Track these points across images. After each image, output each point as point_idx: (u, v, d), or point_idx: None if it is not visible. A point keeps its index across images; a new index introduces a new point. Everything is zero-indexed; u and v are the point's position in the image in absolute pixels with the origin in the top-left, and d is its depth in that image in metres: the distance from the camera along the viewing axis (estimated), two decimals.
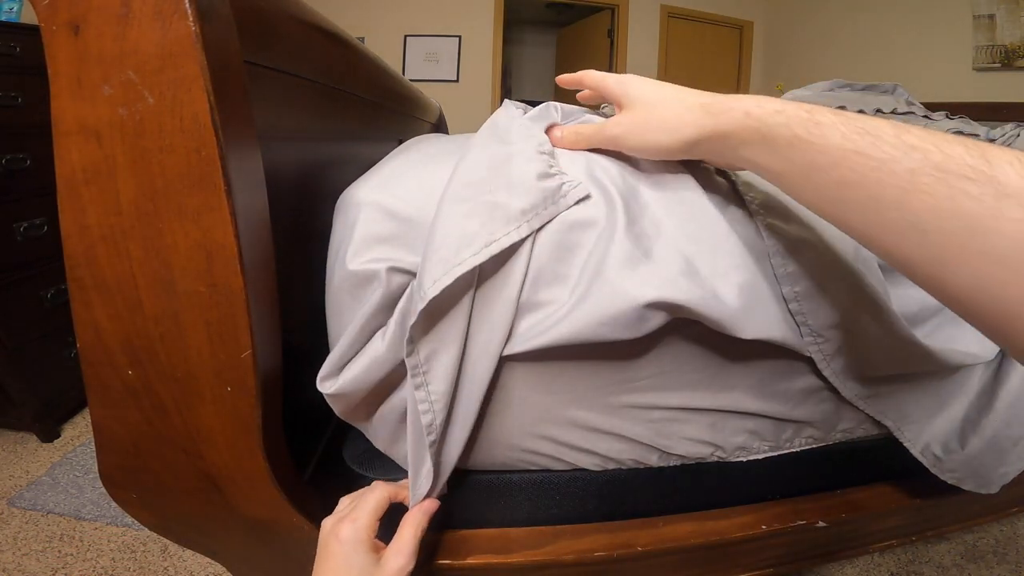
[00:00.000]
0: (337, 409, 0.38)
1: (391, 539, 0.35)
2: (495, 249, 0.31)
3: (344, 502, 0.39)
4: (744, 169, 0.33)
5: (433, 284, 0.30)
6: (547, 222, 0.34)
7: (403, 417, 0.39)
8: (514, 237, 0.32)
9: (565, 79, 0.43)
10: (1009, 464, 0.42)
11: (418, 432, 0.35)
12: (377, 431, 0.41)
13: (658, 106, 0.34)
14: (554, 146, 0.41)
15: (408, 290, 0.35)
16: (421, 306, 0.31)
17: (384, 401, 0.39)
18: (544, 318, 0.34)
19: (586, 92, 0.43)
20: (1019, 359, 0.19)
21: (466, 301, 0.33)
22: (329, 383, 0.36)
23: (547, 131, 0.43)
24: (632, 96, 0.36)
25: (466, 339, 0.34)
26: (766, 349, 0.38)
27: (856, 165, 0.21)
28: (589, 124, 0.40)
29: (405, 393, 0.38)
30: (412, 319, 0.32)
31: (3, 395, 1.22)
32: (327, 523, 0.36)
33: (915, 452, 0.42)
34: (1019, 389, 0.42)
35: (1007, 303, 0.17)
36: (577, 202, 0.35)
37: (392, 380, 0.37)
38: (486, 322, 0.34)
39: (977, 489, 0.43)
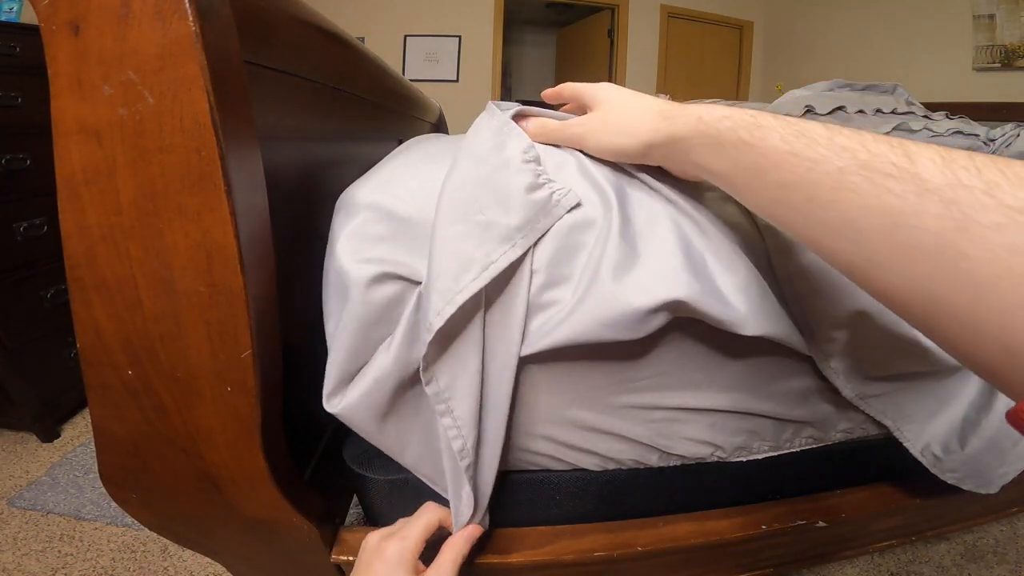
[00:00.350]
0: (354, 428, 0.38)
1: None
2: (494, 271, 0.31)
3: (400, 522, 0.39)
4: (697, 175, 0.33)
5: (437, 315, 0.30)
6: (542, 235, 0.34)
7: (425, 434, 0.39)
8: (511, 256, 0.32)
9: (548, 94, 0.43)
10: (1009, 464, 0.42)
11: (452, 459, 0.35)
12: (398, 449, 0.40)
13: (619, 109, 0.35)
14: None
15: (413, 301, 0.35)
16: (428, 338, 0.31)
17: (401, 418, 0.38)
18: (548, 320, 0.34)
19: (571, 104, 0.43)
20: (956, 358, 0.19)
21: (477, 320, 0.33)
22: (336, 400, 0.36)
23: (517, 120, 0.42)
24: (599, 99, 0.37)
25: (483, 357, 0.34)
26: (766, 349, 0.38)
27: (794, 167, 0.22)
28: (555, 120, 0.40)
29: (425, 412, 0.38)
30: (423, 350, 0.32)
31: (3, 395, 1.22)
32: (373, 538, 0.36)
33: (915, 452, 0.42)
34: None
35: (937, 302, 0.17)
36: (569, 210, 0.34)
37: (404, 396, 0.37)
38: (501, 336, 0.34)
39: (977, 489, 0.43)
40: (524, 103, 0.48)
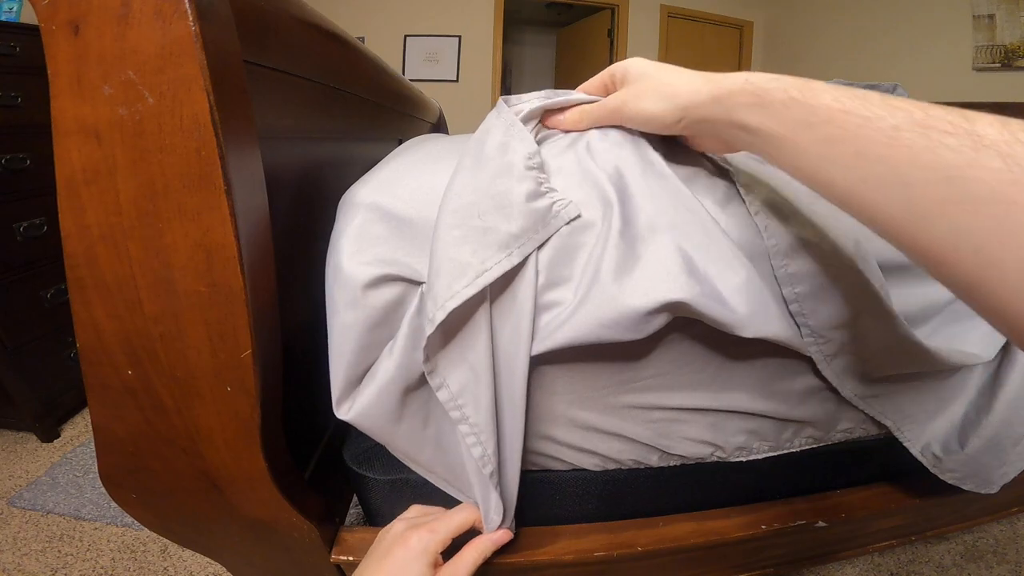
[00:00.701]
0: (370, 435, 0.38)
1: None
2: (488, 278, 0.31)
3: (414, 511, 0.39)
4: (733, 140, 0.31)
5: (430, 321, 0.30)
6: (541, 245, 0.33)
7: (436, 438, 0.39)
8: (506, 265, 0.31)
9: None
10: (1009, 464, 0.42)
11: (474, 466, 0.35)
12: (414, 453, 0.39)
13: (658, 76, 0.34)
14: (557, 128, 0.41)
15: (415, 303, 0.35)
16: (423, 344, 0.31)
17: (413, 423, 0.38)
18: (549, 321, 0.34)
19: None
20: (1002, 327, 0.19)
21: (484, 324, 0.33)
22: (346, 407, 0.36)
23: (548, 116, 0.42)
24: (634, 71, 0.36)
25: (494, 361, 0.34)
26: (766, 349, 0.38)
27: (844, 122, 0.22)
28: (593, 103, 0.40)
29: (436, 416, 0.38)
30: (422, 356, 0.32)
31: (3, 395, 1.22)
32: (398, 525, 0.36)
33: (915, 452, 0.42)
34: (1019, 388, 0.42)
35: (986, 255, 0.17)
36: (568, 223, 0.34)
37: (414, 401, 0.37)
38: (511, 338, 0.34)
39: (977, 489, 0.43)
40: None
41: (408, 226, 0.35)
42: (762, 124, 0.27)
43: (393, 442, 0.38)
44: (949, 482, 0.42)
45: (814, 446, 0.45)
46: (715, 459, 0.43)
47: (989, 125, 0.18)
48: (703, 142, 0.36)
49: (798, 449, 0.44)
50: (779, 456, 0.44)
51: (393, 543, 0.35)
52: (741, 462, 0.43)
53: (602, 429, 0.40)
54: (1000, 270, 0.17)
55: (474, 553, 0.36)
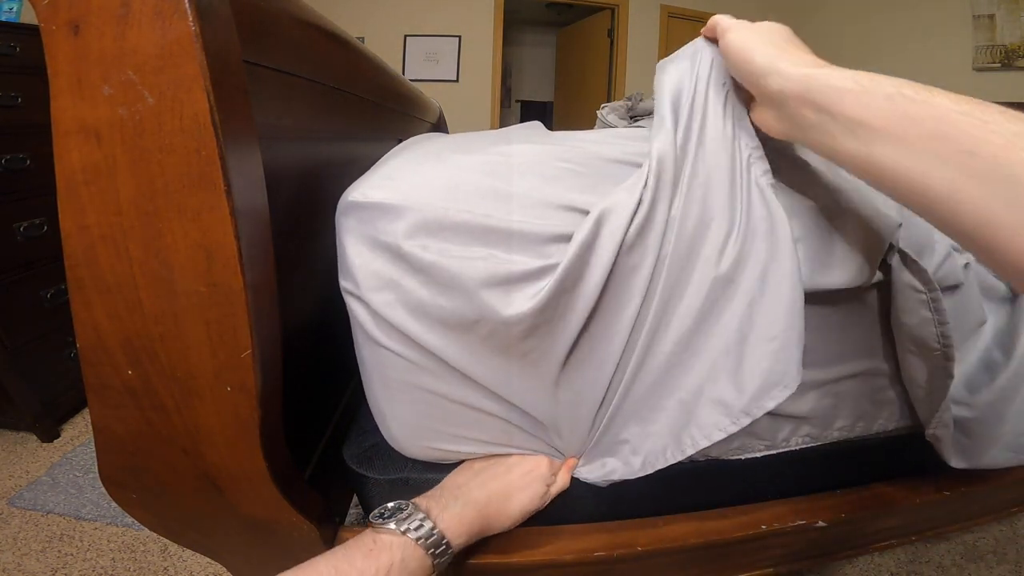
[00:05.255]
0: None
1: None
2: None
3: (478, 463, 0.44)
4: (798, 124, 0.31)
5: None
6: None
7: None
8: None
9: None
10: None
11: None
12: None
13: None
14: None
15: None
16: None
17: None
18: None
19: None
20: (966, 243, 0.22)
21: None
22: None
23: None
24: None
25: None
26: None
27: (957, 121, 0.23)
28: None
29: None
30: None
31: (3, 395, 1.22)
32: (517, 458, 0.43)
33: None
34: None
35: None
36: None
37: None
38: None
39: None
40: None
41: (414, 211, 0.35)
42: (859, 114, 0.27)
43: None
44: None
45: (812, 444, 0.45)
46: (712, 455, 0.43)
47: (944, 96, 0.23)
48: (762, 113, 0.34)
49: (796, 448, 0.44)
50: (777, 455, 0.44)
51: (518, 463, 0.42)
52: (740, 460, 0.43)
53: None
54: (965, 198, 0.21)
55: (567, 474, 0.43)
